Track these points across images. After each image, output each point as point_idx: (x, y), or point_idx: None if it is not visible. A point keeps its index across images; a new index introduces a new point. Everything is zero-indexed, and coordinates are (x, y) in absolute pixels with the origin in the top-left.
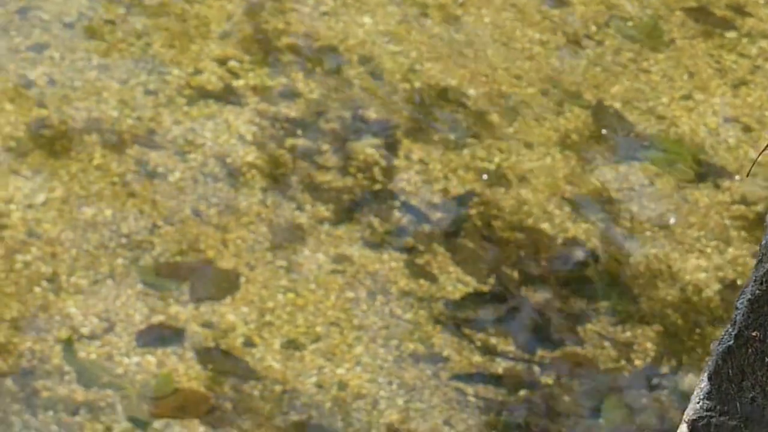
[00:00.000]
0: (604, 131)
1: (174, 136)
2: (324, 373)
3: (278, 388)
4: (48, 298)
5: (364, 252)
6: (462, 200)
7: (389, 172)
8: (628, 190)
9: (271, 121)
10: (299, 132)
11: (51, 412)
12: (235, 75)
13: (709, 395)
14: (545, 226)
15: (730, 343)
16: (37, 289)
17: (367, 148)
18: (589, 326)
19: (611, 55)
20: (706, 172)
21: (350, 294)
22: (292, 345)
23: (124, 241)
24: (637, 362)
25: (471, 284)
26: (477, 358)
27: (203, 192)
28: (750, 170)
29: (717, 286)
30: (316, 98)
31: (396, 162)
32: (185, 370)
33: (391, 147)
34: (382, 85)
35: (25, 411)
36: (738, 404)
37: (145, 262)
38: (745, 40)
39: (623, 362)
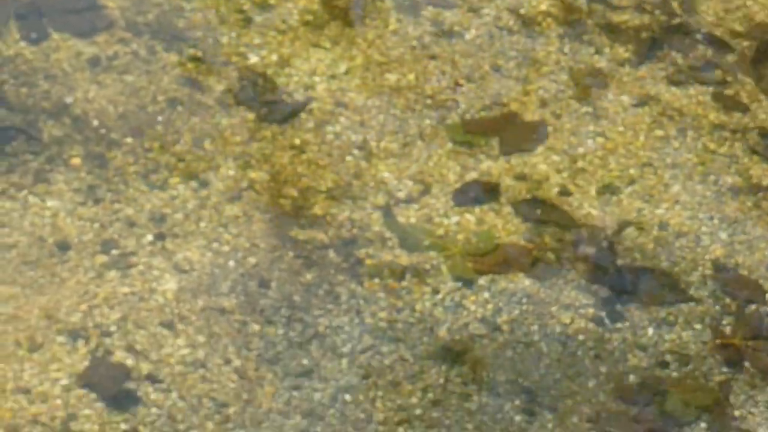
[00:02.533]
0: None
1: None
2: (643, 214)
3: (599, 234)
4: (361, 165)
5: (670, 89)
6: (766, 26)
7: (688, 4)
8: None
9: None
10: None
11: (377, 279)
12: None
13: None
14: None
15: None
16: (349, 158)
17: None
18: None
19: None
20: None
21: (660, 132)
22: (608, 190)
23: (429, 102)
24: None
25: None
26: None
27: (500, 46)
28: None
29: None
30: None
31: None
32: (504, 225)
33: None
34: None
35: (351, 281)
36: None
37: (452, 120)
38: None
39: None
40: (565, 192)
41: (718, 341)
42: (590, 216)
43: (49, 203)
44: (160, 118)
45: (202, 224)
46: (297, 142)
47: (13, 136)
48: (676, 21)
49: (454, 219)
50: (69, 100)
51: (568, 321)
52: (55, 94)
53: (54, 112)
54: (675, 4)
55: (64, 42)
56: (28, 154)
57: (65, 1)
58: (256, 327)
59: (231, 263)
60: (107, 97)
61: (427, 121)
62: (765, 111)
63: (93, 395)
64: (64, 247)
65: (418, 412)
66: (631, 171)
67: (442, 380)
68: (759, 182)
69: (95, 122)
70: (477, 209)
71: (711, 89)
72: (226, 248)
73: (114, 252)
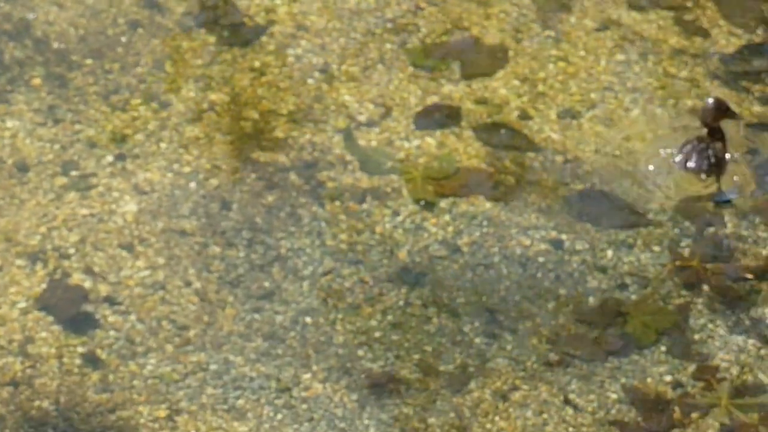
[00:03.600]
0: None
1: None
2: (603, 138)
3: (559, 158)
4: (322, 89)
5: (631, 14)
6: None
7: None
8: None
9: None
10: None
11: (338, 202)
12: None
13: None
14: None
15: None
16: (310, 81)
17: None
18: None
19: None
20: None
21: (621, 57)
22: (568, 114)
23: (389, 26)
24: None
25: (743, 36)
26: (757, 109)
27: None
28: None
29: None
30: None
31: None
32: (465, 149)
33: None
34: None
35: (313, 203)
36: None
37: (413, 44)
38: None
39: None
40: (525, 116)
41: (677, 263)
42: (550, 140)
43: (9, 124)
44: (121, 40)
45: (163, 145)
46: (257, 64)
47: None
48: None
49: (415, 142)
50: (31, 18)
51: (528, 243)
52: (16, 15)
53: (14, 34)
54: None
55: None
56: None
57: None
58: (217, 249)
59: (192, 185)
60: (68, 19)
61: (388, 45)
62: (725, 36)
63: (50, 318)
64: (23, 168)
65: (377, 334)
66: (592, 95)
67: (401, 302)
68: None
69: (56, 44)
70: (438, 133)
71: (672, 14)
72: (186, 169)
73: (74, 173)
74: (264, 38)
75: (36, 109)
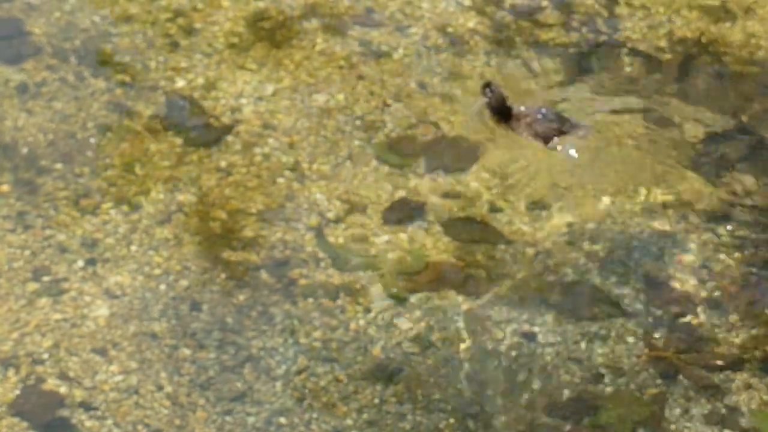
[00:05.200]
0: None
1: (392, 11)
2: (573, 228)
3: (530, 250)
4: (293, 187)
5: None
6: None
7: (612, 22)
8: None
9: None
10: None
11: (311, 299)
12: None
13: None
14: None
15: None
16: (280, 180)
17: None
18: None
19: None
20: None
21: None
22: (537, 206)
23: (358, 122)
24: None
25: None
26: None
27: (428, 64)
28: None
29: None
30: None
31: (617, 10)
32: (434, 243)
33: None
34: None
35: (285, 301)
36: None
37: (379, 140)
38: None
39: None
40: (495, 209)
41: (651, 354)
42: (520, 232)
43: None
44: (90, 144)
45: (133, 248)
46: (224, 164)
47: None
48: (603, 38)
49: (385, 238)
50: None
51: (500, 337)
52: None
53: None
54: (599, 21)
55: None
56: None
57: None
58: (187, 351)
59: (162, 287)
60: (36, 125)
61: (357, 142)
62: (692, 126)
63: (25, 423)
64: None
65: None
66: (561, 186)
67: (377, 400)
68: (690, 199)
69: (24, 149)
70: (407, 228)
71: (641, 105)
72: (157, 271)
73: (45, 278)
74: (230, 138)
75: (5, 216)
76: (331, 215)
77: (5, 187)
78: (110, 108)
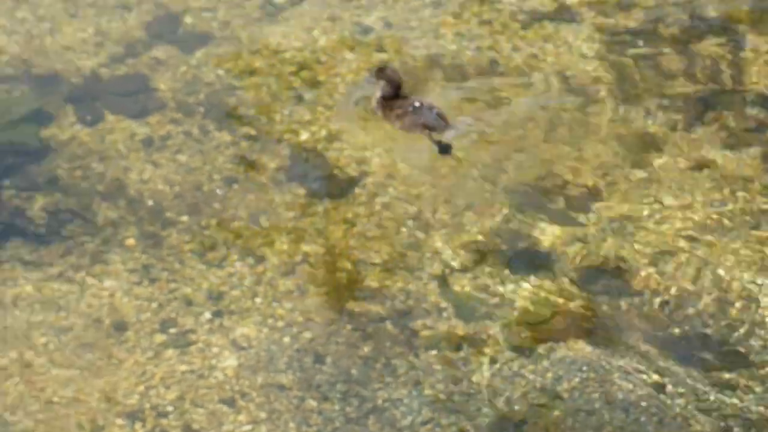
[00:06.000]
0: None
1: (515, 62)
2: (701, 279)
3: (657, 300)
4: (416, 236)
5: (723, 153)
6: None
7: (737, 69)
8: None
9: (610, 34)
10: (640, 41)
11: (434, 350)
12: None
13: None
14: None
15: None
16: (403, 230)
17: (711, 47)
18: None
19: None
20: None
21: (716, 195)
22: (664, 254)
23: (482, 171)
24: None
25: None
26: None
27: (552, 114)
28: None
29: None
30: (652, 5)
31: (742, 55)
32: (560, 292)
33: (736, 43)
34: None
35: (408, 352)
36: None
37: (504, 188)
38: None
39: None
40: (620, 258)
41: None
42: (647, 282)
43: (106, 284)
44: (216, 196)
45: (258, 300)
46: (349, 215)
47: (69, 219)
48: (727, 85)
49: (510, 287)
50: (124, 180)
51: (629, 387)
52: (109, 175)
53: (109, 194)
54: (724, 67)
55: (119, 123)
56: (84, 236)
57: (118, 84)
58: (313, 403)
59: (287, 339)
60: (162, 177)
61: (481, 191)
62: None
63: None
64: (121, 327)
65: None
66: (689, 234)
67: None
68: None
69: (150, 202)
70: (532, 277)
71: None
72: (281, 323)
73: (172, 330)
74: (354, 189)
75: (132, 269)
76: (454, 264)
77: (131, 241)
78: (235, 160)
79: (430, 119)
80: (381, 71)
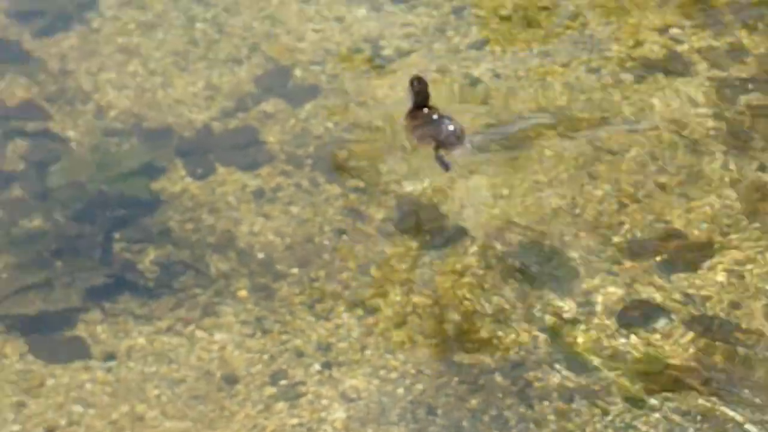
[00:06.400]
0: None
1: (625, 112)
2: None
3: None
4: (524, 288)
5: None
6: None
7: None
8: None
9: (722, 83)
10: (753, 89)
11: (546, 402)
12: (678, 41)
13: None
14: None
15: None
16: (512, 281)
17: None
18: None
19: None
20: None
21: None
22: None
23: (592, 221)
24: None
25: None
26: None
27: (663, 164)
28: None
29: None
30: (764, 53)
31: None
32: (673, 344)
33: None
34: None
35: (520, 404)
36: None
37: (616, 240)
38: None
39: None
40: (733, 308)
41: None
42: (761, 333)
43: (217, 336)
44: (326, 248)
45: (368, 352)
46: (458, 266)
47: (180, 272)
48: None
49: (622, 339)
50: (234, 232)
51: None
52: (220, 227)
53: (220, 246)
54: None
55: (229, 176)
56: (196, 289)
57: (228, 137)
58: None
59: (398, 390)
60: (272, 229)
61: (591, 242)
62: None
63: None
64: (232, 380)
65: None
66: None
67: None
68: None
69: (261, 254)
70: (645, 329)
71: None
72: (392, 375)
73: (282, 383)
74: (463, 240)
75: (243, 321)
76: (566, 316)
77: (243, 293)
78: (344, 212)
79: (442, 133)
80: (411, 83)
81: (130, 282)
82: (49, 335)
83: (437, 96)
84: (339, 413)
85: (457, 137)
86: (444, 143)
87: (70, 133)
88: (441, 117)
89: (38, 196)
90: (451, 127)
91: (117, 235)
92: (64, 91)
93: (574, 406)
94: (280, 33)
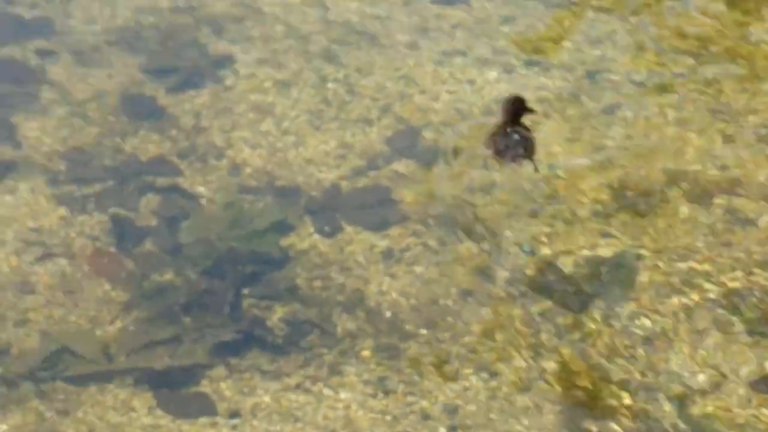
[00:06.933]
0: None
1: (759, 180)
2: None
3: None
4: (652, 356)
5: None
6: None
7: None
8: None
9: None
10: None
11: None
12: None
13: None
14: None
15: None
16: (641, 348)
17: None
18: None
19: None
20: None
21: None
22: None
23: (722, 290)
24: None
25: None
26: None
27: None
28: None
29: None
30: None
31: None
32: None
33: None
34: None
35: None
36: None
37: (746, 309)
38: None
39: None
40: None
41: None
42: None
43: (342, 395)
44: (450, 310)
45: (493, 415)
46: (587, 331)
47: (308, 330)
48: None
49: (749, 411)
50: (363, 292)
51: None
52: (349, 286)
53: (348, 305)
54: None
55: (358, 235)
56: (322, 348)
57: (358, 196)
58: None
59: None
60: (400, 289)
61: (721, 311)
62: None
63: None
64: None
65: None
66: None
67: None
68: None
69: (388, 314)
70: None
71: None
72: None
73: None
74: (595, 304)
75: (366, 380)
76: (693, 385)
77: (366, 353)
78: (472, 273)
79: (504, 144)
80: (509, 101)
81: (258, 339)
82: (177, 390)
83: (569, 161)
84: None
85: (519, 150)
86: (503, 153)
87: (201, 189)
88: (516, 132)
89: (169, 251)
90: (521, 140)
91: (246, 291)
92: (195, 148)
93: None
94: (414, 93)
